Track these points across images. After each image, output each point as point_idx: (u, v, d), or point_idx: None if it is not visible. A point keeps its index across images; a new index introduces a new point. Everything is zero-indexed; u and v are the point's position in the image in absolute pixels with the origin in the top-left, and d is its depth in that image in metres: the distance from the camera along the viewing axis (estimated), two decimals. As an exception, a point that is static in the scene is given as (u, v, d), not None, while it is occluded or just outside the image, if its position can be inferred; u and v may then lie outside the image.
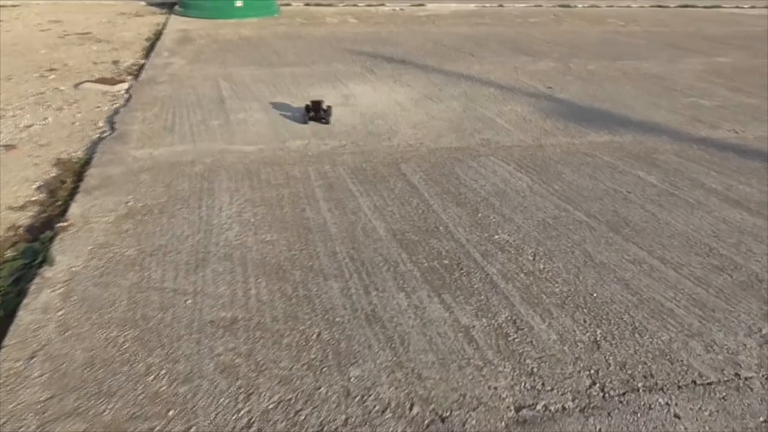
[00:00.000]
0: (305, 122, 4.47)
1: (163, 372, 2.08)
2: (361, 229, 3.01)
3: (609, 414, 1.94)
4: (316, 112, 4.50)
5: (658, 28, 9.37)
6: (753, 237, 3.00)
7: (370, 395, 2.01)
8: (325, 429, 1.87)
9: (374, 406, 1.97)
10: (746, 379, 2.10)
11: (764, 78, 6.33)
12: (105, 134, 4.26)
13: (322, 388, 2.03)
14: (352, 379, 2.07)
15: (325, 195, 3.37)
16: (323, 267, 2.69)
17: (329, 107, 4.57)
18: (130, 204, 3.22)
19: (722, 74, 6.44)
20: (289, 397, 2.00)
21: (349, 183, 3.52)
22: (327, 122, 4.46)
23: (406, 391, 2.02)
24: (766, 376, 2.12)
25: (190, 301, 2.45)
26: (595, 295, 2.53)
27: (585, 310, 2.44)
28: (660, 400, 2.00)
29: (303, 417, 1.92)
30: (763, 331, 2.33)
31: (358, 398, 2.00)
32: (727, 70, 6.66)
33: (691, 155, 4.10)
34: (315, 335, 2.27)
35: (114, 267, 2.65)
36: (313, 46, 7.31)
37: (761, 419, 1.93)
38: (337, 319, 2.36)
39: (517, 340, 2.26)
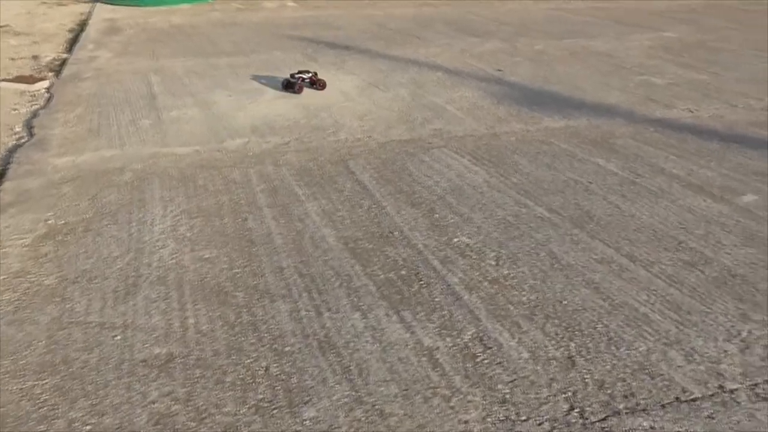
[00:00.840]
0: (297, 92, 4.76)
1: (87, 429, 1.80)
2: (309, 239, 2.76)
3: (592, 444, 1.76)
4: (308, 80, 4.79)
5: (602, 3, 9.29)
6: (720, 226, 2.87)
7: (327, 440, 1.79)
8: (277, 488, 1.64)
9: (332, 454, 1.75)
10: (731, 391, 1.95)
11: (711, 53, 6.28)
12: (22, 141, 3.88)
13: (274, 436, 1.80)
14: (306, 422, 1.83)
15: (269, 201, 3.10)
16: (269, 286, 2.44)
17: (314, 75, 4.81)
18: (50, 222, 2.89)
19: (671, 50, 6.37)
20: (235, 449, 1.76)
21: (294, 185, 3.26)
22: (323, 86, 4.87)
23: (368, 433, 1.80)
24: (751, 386, 1.97)
25: (119, 337, 2.17)
26: (565, 302, 2.35)
27: (556, 320, 2.26)
28: (644, 423, 1.83)
29: (251, 474, 1.69)
30: (743, 334, 2.19)
31: (313, 445, 1.78)
32: (675, 45, 6.59)
33: (648, 138, 3.97)
34: (262, 370, 2.03)
35: (30, 300, 2.35)
36: (250, 33, 6.94)
37: (753, 439, 1.78)
38: (287, 349, 2.12)
39: (486, 362, 2.06)
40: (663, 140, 3.95)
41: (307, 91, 4.83)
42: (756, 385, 1.97)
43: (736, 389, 1.96)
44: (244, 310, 2.30)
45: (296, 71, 4.86)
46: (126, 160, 3.58)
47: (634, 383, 1.98)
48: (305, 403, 1.90)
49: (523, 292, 2.41)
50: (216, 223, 2.89)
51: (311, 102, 4.57)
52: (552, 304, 2.34)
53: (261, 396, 1.93)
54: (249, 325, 2.23)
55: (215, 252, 2.67)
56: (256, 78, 5.16)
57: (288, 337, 2.18)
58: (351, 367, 2.03)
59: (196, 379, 1.99)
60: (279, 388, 1.96)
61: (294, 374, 2.01)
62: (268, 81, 5.05)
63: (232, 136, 3.93)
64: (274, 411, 1.87)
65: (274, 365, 2.05)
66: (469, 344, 2.14)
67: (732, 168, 3.52)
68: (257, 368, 2.04)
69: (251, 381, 1.98)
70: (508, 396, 1.93)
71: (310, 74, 4.75)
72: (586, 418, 1.84)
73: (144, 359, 2.07)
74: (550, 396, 1.93)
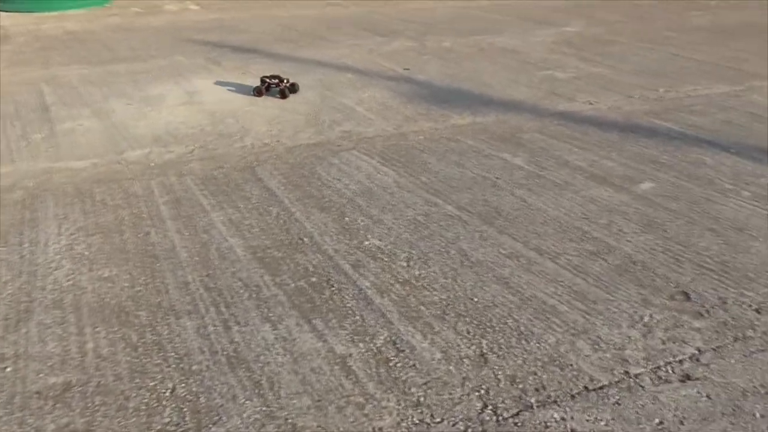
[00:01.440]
0: (285, 97, 4.64)
1: (-27, 473, 1.67)
2: (216, 251, 2.67)
3: (505, 441, 1.77)
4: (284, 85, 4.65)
5: (504, 0, 9.51)
6: (621, 215, 2.97)
7: (237, 461, 1.72)
8: None
9: (244, 475, 1.68)
10: (636, 376, 2.00)
11: (607, 46, 6.53)
12: None
13: (180, 461, 1.72)
14: (215, 444, 1.76)
15: (173, 213, 2.98)
16: (174, 303, 2.34)
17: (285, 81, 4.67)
18: (-70, 248, 2.68)
19: (571, 44, 6.58)
20: (139, 479, 1.67)
21: (199, 196, 3.15)
22: (296, 89, 4.77)
23: (280, 450, 1.75)
24: (654, 369, 2.04)
25: (9, 368, 2.03)
26: (476, 299, 2.37)
27: (467, 318, 2.27)
28: (555, 415, 1.85)
29: (157, 504, 1.60)
30: (645, 319, 2.26)
31: (223, 467, 1.71)
32: (575, 39, 6.82)
33: (553, 131, 4.08)
34: (168, 392, 1.94)
35: None
36: (150, 38, 6.71)
37: (656, 421, 1.83)
38: (194, 368, 2.03)
39: (399, 365, 2.04)
40: (567, 133, 4.06)
41: (212, 95, 4.69)
42: (658, 368, 2.04)
43: (640, 373, 2.02)
44: (148, 330, 2.20)
45: (267, 75, 4.69)
46: (17, 177, 3.37)
47: (544, 376, 2.00)
48: (214, 424, 1.82)
49: (435, 292, 2.41)
50: (116, 240, 2.76)
51: (217, 108, 4.45)
52: (463, 302, 2.35)
53: (167, 420, 1.84)
54: (153, 345, 2.13)
55: (115, 270, 2.54)
56: (156, 84, 4.98)
57: (195, 354, 2.09)
58: (262, 382, 1.97)
59: (96, 408, 1.87)
60: (186, 409, 1.87)
61: (202, 393, 1.93)
62: (169, 87, 4.89)
63: (132, 147, 3.76)
64: (181, 435, 1.79)
65: (181, 386, 1.96)
66: (382, 349, 2.12)
67: (630, 157, 3.66)
68: (163, 390, 1.94)
69: (156, 405, 1.89)
70: (422, 398, 1.91)
71: (281, 81, 4.64)
72: (499, 415, 1.85)
73: (38, 390, 1.94)
74: (463, 395, 1.93)
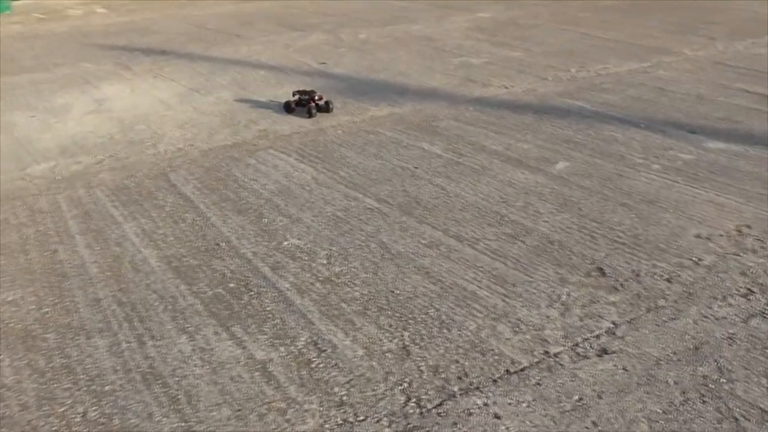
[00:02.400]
0: (312, 116, 4.13)
1: None
2: (129, 264, 2.57)
3: (429, 433, 1.76)
4: (316, 103, 4.15)
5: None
6: (537, 196, 3.02)
7: (155, 482, 1.66)
8: None
9: (162, 496, 1.62)
10: (555, 355, 2.03)
11: (522, 30, 6.63)
12: None
13: (94, 488, 1.64)
14: (131, 466, 1.69)
15: (82, 227, 2.86)
16: (84, 322, 2.24)
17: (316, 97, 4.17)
18: None
19: (485, 30, 6.65)
20: None
21: (110, 207, 3.03)
22: (330, 109, 4.24)
23: (200, 465, 1.69)
24: (572, 346, 2.07)
25: None
26: (397, 291, 2.36)
27: (389, 312, 2.25)
28: (478, 401, 1.86)
29: None
30: (563, 298, 2.30)
31: (140, 490, 1.64)
32: (489, 25, 6.90)
33: (469, 118, 4.11)
34: (79, 416, 1.85)
35: None
36: (54, 46, 6.42)
37: (576, 398, 1.86)
38: (107, 388, 1.95)
39: (321, 366, 2.01)
40: (483, 118, 4.10)
41: (122, 101, 4.53)
42: (576, 344, 2.08)
43: (559, 352, 2.05)
44: (56, 353, 2.10)
45: (297, 90, 4.22)
46: None
47: (466, 363, 2.01)
48: (129, 445, 1.75)
49: (356, 288, 2.39)
50: (20, 260, 2.62)
51: (127, 115, 4.29)
52: (384, 296, 2.34)
53: (78, 446, 1.75)
54: (62, 368, 2.03)
55: (20, 292, 2.41)
56: (61, 93, 4.77)
57: (108, 374, 2.00)
58: (179, 396, 1.91)
59: (1, 441, 1.77)
60: (99, 433, 1.79)
61: (116, 415, 1.85)
62: (76, 96, 4.69)
63: (36, 161, 3.59)
64: (94, 460, 1.71)
65: (93, 409, 1.87)
66: (303, 350, 2.08)
67: (545, 138, 3.72)
68: (73, 416, 1.86)
69: None
70: (345, 398, 1.89)
71: (312, 98, 4.12)
72: (423, 407, 1.85)
73: (-64, 429, 1.82)
74: (386, 390, 1.91)
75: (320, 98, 4.05)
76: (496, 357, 2.03)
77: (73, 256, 2.64)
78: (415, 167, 3.37)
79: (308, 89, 4.15)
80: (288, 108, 4.16)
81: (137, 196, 3.13)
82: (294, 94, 4.16)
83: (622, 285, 2.35)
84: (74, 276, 2.51)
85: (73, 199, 3.12)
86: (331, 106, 4.10)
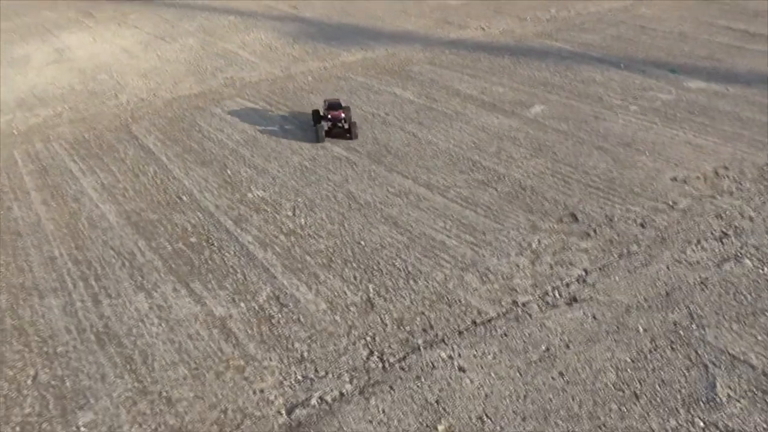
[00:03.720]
0: (319, 140, 3.00)
1: None
2: (86, 220, 2.48)
3: (391, 387, 1.71)
4: (335, 122, 2.99)
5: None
6: (511, 141, 2.92)
7: (107, 445, 1.60)
8: None
9: (114, 459, 1.57)
10: (524, 305, 1.98)
11: (502, -31, 6.40)
12: None
13: (43, 453, 1.58)
14: (82, 429, 1.63)
15: (38, 183, 2.74)
16: (38, 281, 2.16)
17: (347, 111, 3.03)
18: None
19: (463, -30, 6.42)
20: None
21: (68, 161, 2.91)
22: (351, 135, 3.02)
23: (153, 427, 1.63)
24: (541, 295, 2.01)
25: None
26: (363, 243, 2.28)
27: (354, 264, 2.18)
28: (442, 354, 1.81)
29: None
30: (533, 246, 2.23)
31: (92, 454, 1.59)
32: (467, -36, 6.66)
33: (444, 61, 3.97)
34: (30, 379, 1.79)
35: None
36: (15, -7, 6.16)
37: (543, 348, 1.81)
38: (60, 349, 1.88)
39: (282, 321, 1.95)
40: (458, 61, 3.96)
41: (84, 50, 4.35)
42: (546, 293, 2.02)
43: (528, 301, 1.99)
44: (8, 314, 2.02)
45: (330, 100, 3.09)
46: None
47: (432, 315, 1.95)
48: (81, 408, 1.69)
49: (321, 240, 2.31)
50: (-27, 219, 2.52)
51: (89, 64, 4.12)
52: (350, 248, 2.26)
53: (28, 410, 1.69)
54: (13, 330, 1.96)
55: (-29, 252, 2.32)
56: (21, 43, 4.57)
57: (61, 335, 1.93)
58: (134, 356, 1.84)
59: (-53, 407, 1.70)
60: (50, 396, 1.73)
61: (68, 377, 1.79)
62: (36, 46, 4.49)
63: (-8, 115, 3.45)
64: (44, 425, 1.65)
65: (44, 371, 1.81)
66: (265, 305, 2.01)
67: (521, 81, 3.60)
68: (23, 379, 1.79)
69: (16, 395, 1.74)
70: (305, 353, 1.83)
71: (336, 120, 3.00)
72: (386, 361, 1.79)
73: None
74: (349, 345, 1.85)
75: (345, 120, 2.99)
76: (462, 308, 1.97)
77: (29, 213, 2.54)
78: (386, 114, 3.26)
79: (342, 103, 3.08)
80: (318, 118, 3.07)
81: (97, 150, 3.01)
82: (325, 106, 3.05)
83: (594, 231, 2.29)
84: (29, 234, 2.41)
85: (30, 154, 3.00)
86: (354, 131, 3.00)
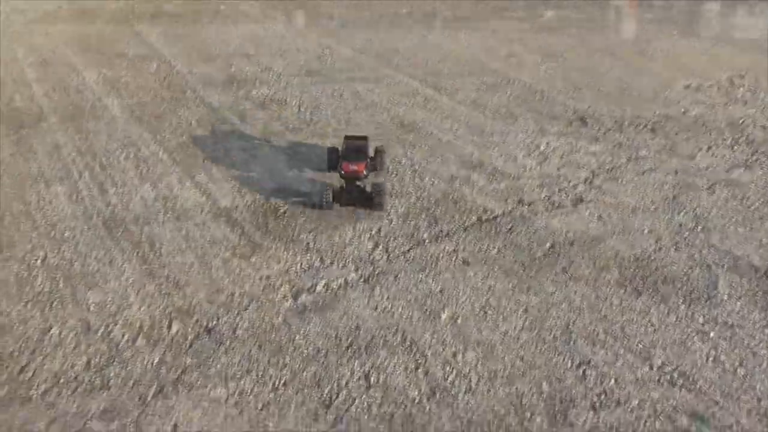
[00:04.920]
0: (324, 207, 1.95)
1: None
2: (89, 112, 2.45)
3: (396, 277, 1.73)
4: (350, 180, 1.97)
5: None
6: (523, 45, 2.86)
7: (116, 322, 1.63)
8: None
9: (123, 336, 1.60)
10: (530, 204, 1.97)
11: None
12: None
13: (53, 329, 1.61)
14: (92, 306, 1.66)
15: (39, 75, 2.70)
16: (44, 170, 2.15)
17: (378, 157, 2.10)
18: None
19: None
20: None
21: (69, 55, 2.85)
22: (373, 205, 1.94)
23: (162, 307, 1.66)
24: (548, 195, 2.01)
25: None
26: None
27: (361, 161, 2.16)
28: (447, 247, 1.82)
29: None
30: (541, 148, 2.21)
31: (101, 330, 1.62)
32: None
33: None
34: (39, 260, 1.80)
35: None
36: None
37: (548, 245, 1.82)
38: (67, 234, 1.88)
39: (287, 214, 1.95)
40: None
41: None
42: (552, 194, 2.01)
43: (534, 201, 1.99)
44: (15, 200, 2.02)
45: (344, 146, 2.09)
46: None
47: (438, 211, 1.95)
48: (91, 288, 1.71)
49: (326, 138, 2.28)
50: (-26, 108, 2.49)
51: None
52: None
53: (38, 289, 1.71)
54: (21, 215, 1.96)
55: (-25, 140, 2.30)
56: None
57: (68, 221, 1.94)
58: (142, 242, 1.85)
59: (-43, 285, 1.73)
60: (60, 277, 1.75)
61: (76, 260, 1.80)
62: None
63: (-10, 6, 3.36)
64: (55, 302, 1.67)
65: (53, 254, 1.82)
66: (270, 199, 2.01)
67: (535, -13, 3.50)
68: (33, 260, 1.81)
69: (27, 275, 1.76)
70: (311, 244, 1.84)
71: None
72: (390, 253, 1.80)
73: None
74: (354, 237, 1.86)
75: (366, 175, 1.96)
76: (468, 205, 1.97)
77: (31, 104, 2.51)
78: (396, 14, 3.17)
79: (369, 144, 2.07)
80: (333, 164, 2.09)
81: (98, 44, 2.94)
82: (343, 147, 2.05)
83: (604, 135, 2.26)
84: (32, 125, 2.38)
85: (32, 47, 2.94)
86: (378, 200, 1.92)
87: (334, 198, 1.91)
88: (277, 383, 1.38)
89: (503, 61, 2.73)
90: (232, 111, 2.43)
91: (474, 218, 1.92)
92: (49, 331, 1.59)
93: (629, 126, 2.30)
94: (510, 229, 1.88)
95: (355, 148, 2.00)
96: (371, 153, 2.07)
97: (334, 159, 2.06)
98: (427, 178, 2.08)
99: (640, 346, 1.46)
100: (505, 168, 2.12)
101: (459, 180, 2.07)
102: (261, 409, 1.32)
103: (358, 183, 1.95)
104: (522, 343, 1.48)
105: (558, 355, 1.44)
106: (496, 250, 1.81)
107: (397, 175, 2.09)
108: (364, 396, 1.34)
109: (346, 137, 2.06)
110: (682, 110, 2.38)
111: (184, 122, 2.38)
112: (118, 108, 2.47)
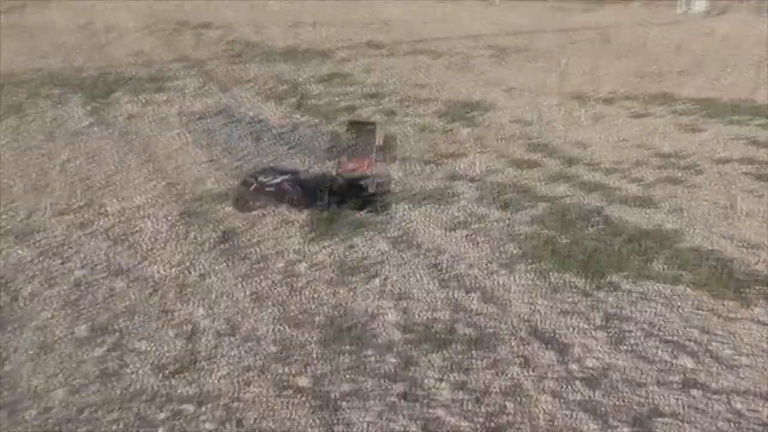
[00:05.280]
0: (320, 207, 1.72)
1: None
2: (102, 27, 2.40)
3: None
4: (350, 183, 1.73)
5: None
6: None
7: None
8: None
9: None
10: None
11: None
12: None
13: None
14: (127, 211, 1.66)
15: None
16: (56, 78, 2.13)
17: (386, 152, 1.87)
18: None
19: None
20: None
21: None
22: (375, 209, 1.72)
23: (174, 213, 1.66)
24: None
25: None
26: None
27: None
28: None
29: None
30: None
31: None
32: None
33: None
34: (58, 168, 1.81)
35: None
36: None
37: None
38: (88, 146, 1.89)
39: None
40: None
41: None
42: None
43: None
44: (31, 111, 2.02)
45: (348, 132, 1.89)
46: None
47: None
48: (114, 197, 1.71)
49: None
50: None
51: None
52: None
53: (58, 195, 1.72)
54: (38, 129, 1.97)
55: None
56: None
57: (86, 133, 1.94)
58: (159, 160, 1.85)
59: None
60: (78, 186, 1.75)
61: (93, 169, 1.81)
62: None
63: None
64: (77, 211, 1.67)
65: (74, 161, 1.83)
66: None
67: None
68: (51, 167, 1.82)
69: (44, 184, 1.76)
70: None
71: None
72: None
73: None
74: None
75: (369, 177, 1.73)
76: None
77: (43, 18, 2.46)
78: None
79: (375, 132, 1.84)
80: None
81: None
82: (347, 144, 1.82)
83: None
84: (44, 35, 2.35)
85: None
86: (379, 205, 1.72)
87: (330, 198, 1.66)
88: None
89: None
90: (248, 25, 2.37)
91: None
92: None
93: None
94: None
95: (359, 139, 1.73)
96: (380, 141, 1.79)
97: (332, 150, 1.81)
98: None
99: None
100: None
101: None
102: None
103: (360, 183, 1.67)
104: None
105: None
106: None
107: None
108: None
109: (350, 123, 1.81)
110: None
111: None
112: (133, 24, 2.41)
